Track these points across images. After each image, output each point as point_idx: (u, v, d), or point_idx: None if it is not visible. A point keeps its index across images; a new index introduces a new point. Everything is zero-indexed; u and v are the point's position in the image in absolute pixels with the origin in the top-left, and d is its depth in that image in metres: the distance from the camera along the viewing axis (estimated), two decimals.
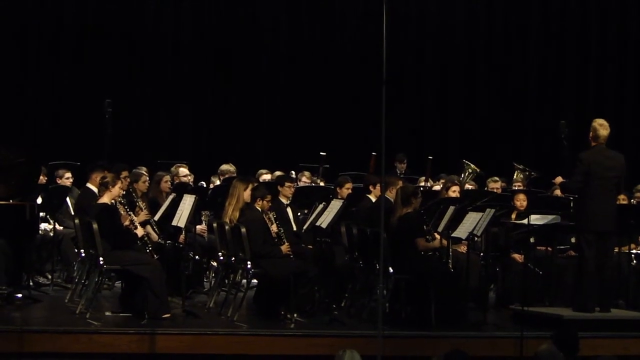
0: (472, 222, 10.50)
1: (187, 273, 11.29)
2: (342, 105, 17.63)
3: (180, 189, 11.69)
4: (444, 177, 13.62)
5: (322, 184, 13.69)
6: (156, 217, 11.20)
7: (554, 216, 11.09)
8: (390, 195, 11.01)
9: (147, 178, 12.12)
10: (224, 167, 13.46)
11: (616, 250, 11.30)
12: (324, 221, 10.93)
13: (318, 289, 10.84)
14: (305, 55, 17.78)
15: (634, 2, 18.65)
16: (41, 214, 11.83)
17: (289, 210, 11.46)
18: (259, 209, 10.52)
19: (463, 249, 11.35)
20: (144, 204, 11.24)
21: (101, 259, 9.95)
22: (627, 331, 10.20)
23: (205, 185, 13.62)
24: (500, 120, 18.40)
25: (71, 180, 12.86)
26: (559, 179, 10.98)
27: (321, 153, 14.35)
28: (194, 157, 15.50)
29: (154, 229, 11.13)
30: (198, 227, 11.91)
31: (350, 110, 17.58)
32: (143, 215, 10.84)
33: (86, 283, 10.81)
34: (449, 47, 18.45)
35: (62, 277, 12.40)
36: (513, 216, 11.84)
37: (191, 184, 12.93)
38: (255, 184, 10.96)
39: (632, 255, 11.99)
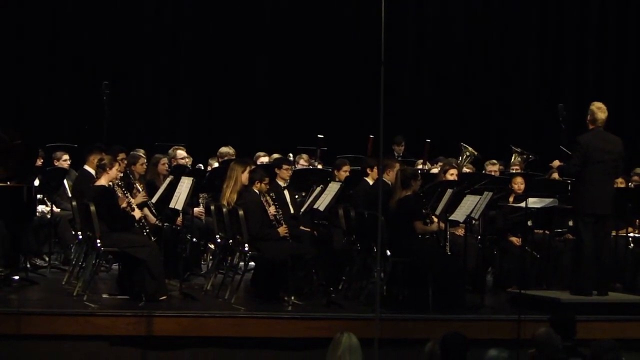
0: (469, 205, 10.50)
1: (185, 255, 11.29)
2: (340, 88, 17.60)
3: (178, 171, 11.68)
4: (441, 160, 13.60)
5: (319, 166, 13.68)
6: (154, 200, 11.17)
7: (551, 199, 11.10)
8: (388, 177, 11.00)
9: (145, 160, 12.10)
10: (223, 149, 13.46)
11: (613, 233, 11.32)
12: (322, 204, 10.93)
13: (315, 271, 10.84)
14: (304, 37, 17.72)
15: None
16: (38, 196, 11.81)
17: (286, 192, 11.44)
18: (257, 192, 10.52)
19: (460, 232, 11.35)
20: (142, 186, 11.23)
21: (98, 241, 9.94)
22: (624, 314, 10.23)
23: (203, 168, 13.62)
24: (499, 103, 18.39)
25: (69, 162, 12.83)
26: (556, 162, 10.98)
27: (319, 136, 14.34)
28: (191, 139, 15.47)
29: (151, 211, 11.11)
30: (196, 209, 11.89)
31: (348, 93, 17.55)
32: (140, 197, 10.81)
33: (83, 265, 10.80)
34: (447, 29, 18.42)
35: (59, 259, 12.40)
36: (511, 199, 11.84)
37: (189, 166, 12.92)
38: (253, 167, 10.95)
39: (630, 239, 12.00)
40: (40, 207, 12.14)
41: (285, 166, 11.66)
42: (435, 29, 18.44)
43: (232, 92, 17.46)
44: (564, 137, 11.26)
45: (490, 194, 10.53)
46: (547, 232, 11.77)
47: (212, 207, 10.92)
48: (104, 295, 10.31)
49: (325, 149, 14.47)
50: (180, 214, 11.17)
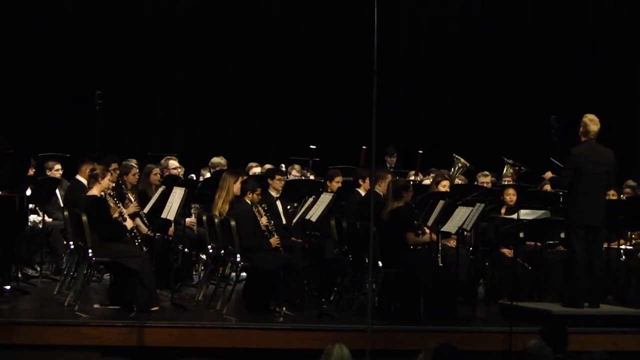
0: (461, 216, 10.50)
1: (176, 266, 11.28)
2: (332, 99, 17.61)
3: (170, 181, 11.67)
4: (433, 171, 13.62)
5: (312, 177, 13.68)
6: (145, 210, 11.16)
7: (543, 211, 11.10)
8: (380, 188, 11.01)
9: (137, 170, 12.08)
10: (215, 159, 13.47)
11: (605, 245, 11.32)
12: (314, 214, 10.92)
13: (307, 282, 10.83)
14: (296, 47, 17.73)
15: None
16: (30, 205, 11.79)
17: (278, 203, 11.46)
18: (249, 202, 10.51)
19: (452, 243, 11.34)
20: (134, 196, 11.21)
21: (90, 251, 9.92)
22: (616, 327, 10.23)
23: (195, 178, 13.61)
24: (491, 115, 18.41)
25: (61, 172, 12.81)
26: (548, 174, 10.99)
27: (311, 146, 14.34)
28: (184, 150, 15.46)
29: (143, 222, 11.10)
30: (187, 219, 11.87)
31: (341, 103, 17.55)
32: (132, 207, 10.80)
33: (75, 275, 10.79)
34: (441, 40, 18.45)
35: (50, 269, 12.37)
36: (502, 211, 11.84)
37: (181, 176, 12.91)
38: (245, 177, 10.94)
39: (621, 251, 12.02)
40: (32, 217, 12.11)
41: (277, 177, 11.68)
42: (429, 39, 18.46)
43: (225, 102, 17.45)
44: (556, 149, 11.26)
45: (482, 205, 10.54)
46: (538, 243, 11.78)
47: (204, 218, 10.91)
48: (96, 306, 10.29)
49: (318, 160, 14.47)
50: (172, 224, 11.16)
